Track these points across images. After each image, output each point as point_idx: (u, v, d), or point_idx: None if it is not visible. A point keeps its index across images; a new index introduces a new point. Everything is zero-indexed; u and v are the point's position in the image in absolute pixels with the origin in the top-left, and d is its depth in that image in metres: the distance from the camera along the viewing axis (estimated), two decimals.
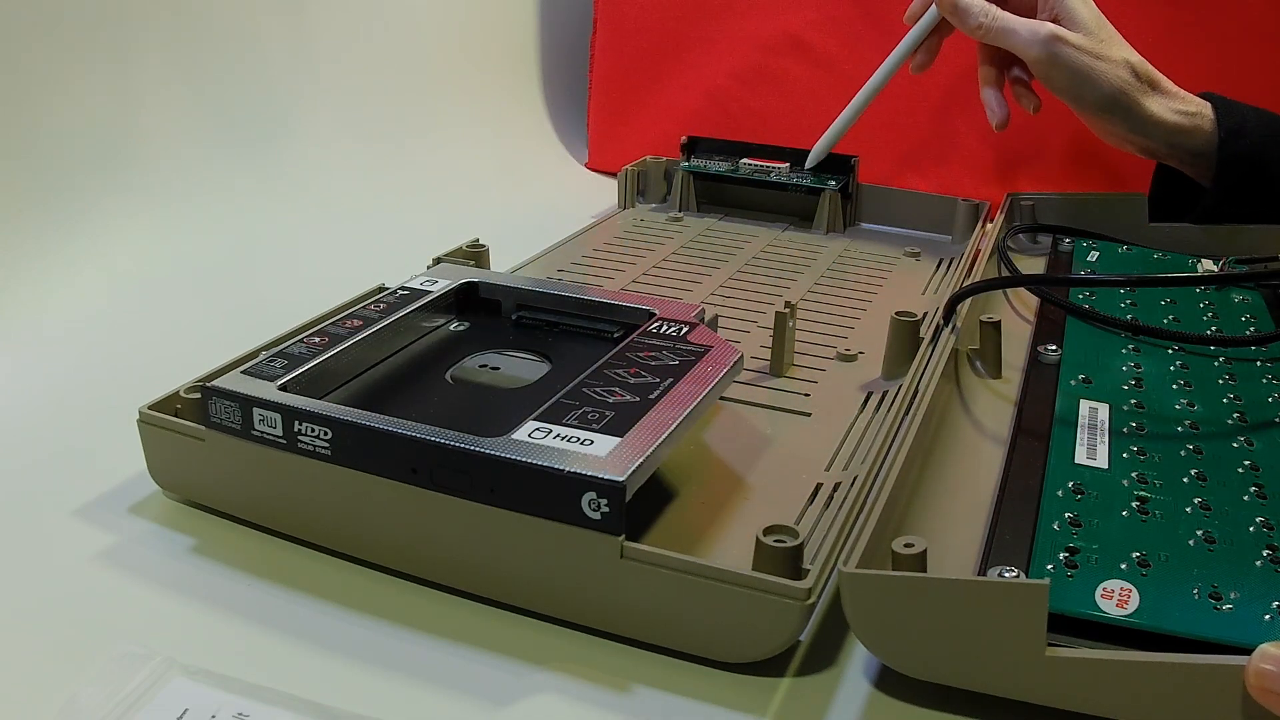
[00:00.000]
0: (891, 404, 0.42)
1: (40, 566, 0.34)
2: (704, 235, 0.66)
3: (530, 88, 0.91)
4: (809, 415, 0.43)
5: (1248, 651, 0.25)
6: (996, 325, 0.46)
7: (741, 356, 0.39)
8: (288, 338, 0.41)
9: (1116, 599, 0.29)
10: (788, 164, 0.69)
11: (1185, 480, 0.36)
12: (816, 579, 0.29)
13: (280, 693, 0.28)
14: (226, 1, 0.63)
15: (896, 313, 0.45)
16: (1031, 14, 0.57)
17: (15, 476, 0.39)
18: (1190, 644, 0.28)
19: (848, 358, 0.48)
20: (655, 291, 0.55)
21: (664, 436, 0.32)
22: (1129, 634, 0.28)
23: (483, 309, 0.46)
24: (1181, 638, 0.28)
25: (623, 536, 0.30)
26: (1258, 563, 0.31)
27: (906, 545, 0.30)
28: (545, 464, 0.30)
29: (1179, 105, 0.55)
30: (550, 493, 0.30)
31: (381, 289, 0.46)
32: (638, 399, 0.34)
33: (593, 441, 0.31)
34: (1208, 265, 0.57)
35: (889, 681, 0.30)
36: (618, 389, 0.35)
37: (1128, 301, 0.52)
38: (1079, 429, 0.39)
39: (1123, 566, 0.31)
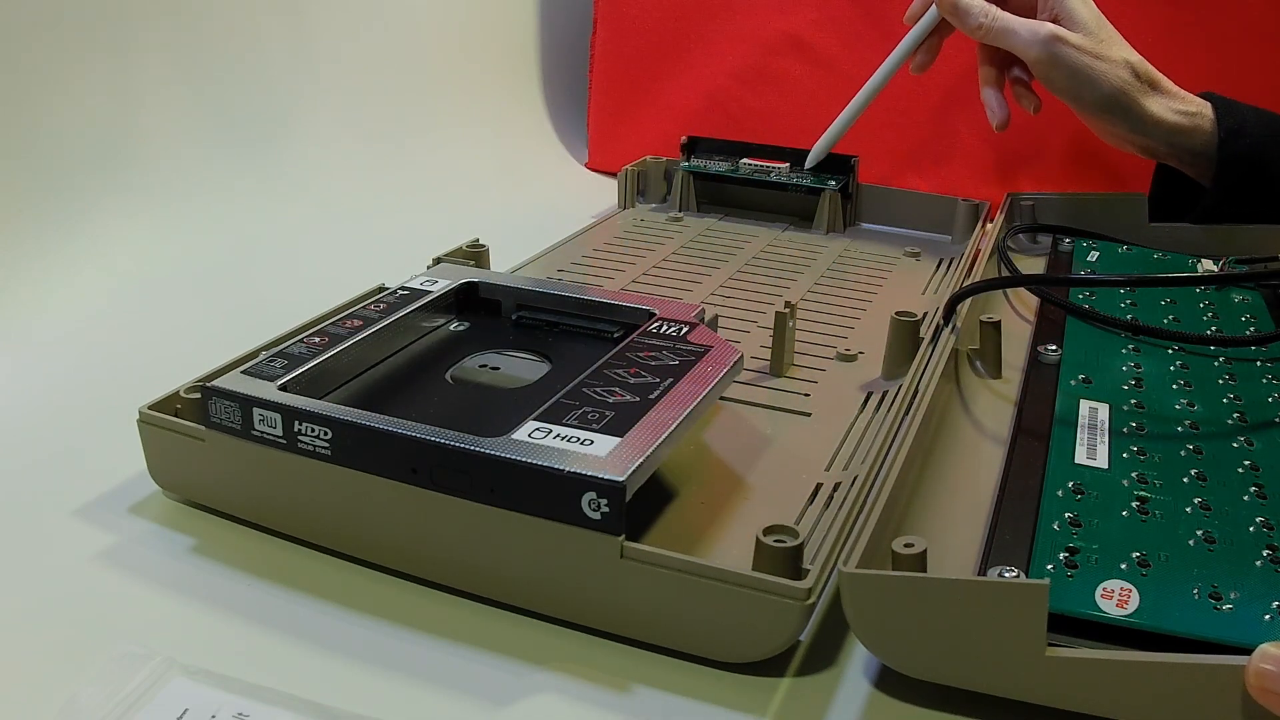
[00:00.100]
0: (891, 404, 0.42)
1: (40, 566, 0.34)
2: (704, 235, 0.66)
3: (530, 88, 0.91)
4: (809, 415, 0.43)
5: (1248, 651, 0.25)
6: (996, 325, 0.46)
7: (741, 356, 0.39)
8: (288, 338, 0.41)
9: (1116, 599, 0.29)
10: (788, 164, 0.69)
11: (1185, 480, 0.36)
12: (816, 579, 0.29)
13: (280, 693, 0.28)
14: (226, 1, 0.63)
15: (896, 313, 0.45)
16: (1031, 14, 0.57)
17: (15, 476, 0.39)
18: (1190, 644, 0.28)
19: (848, 358, 0.48)
20: (655, 291, 0.55)
21: (664, 436, 0.32)
22: (1129, 634, 0.28)
23: (483, 309, 0.46)
24: (1181, 638, 0.28)
25: (623, 536, 0.30)
26: (1258, 563, 0.31)
27: (906, 545, 0.30)
28: (545, 464, 0.30)
29: (1179, 105, 0.55)
30: (550, 493, 0.30)
31: (381, 289, 0.46)
32: (638, 399, 0.34)
33: (593, 441, 0.31)
34: (1208, 265, 0.57)
35: (889, 681, 0.30)
36: (618, 389, 0.35)
37: (1128, 301, 0.52)
38: (1079, 429, 0.39)
39: (1123, 566, 0.31)
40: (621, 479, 0.29)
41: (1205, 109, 0.56)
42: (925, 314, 0.49)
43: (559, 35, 0.94)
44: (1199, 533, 0.32)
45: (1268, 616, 0.29)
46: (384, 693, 0.29)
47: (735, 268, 0.60)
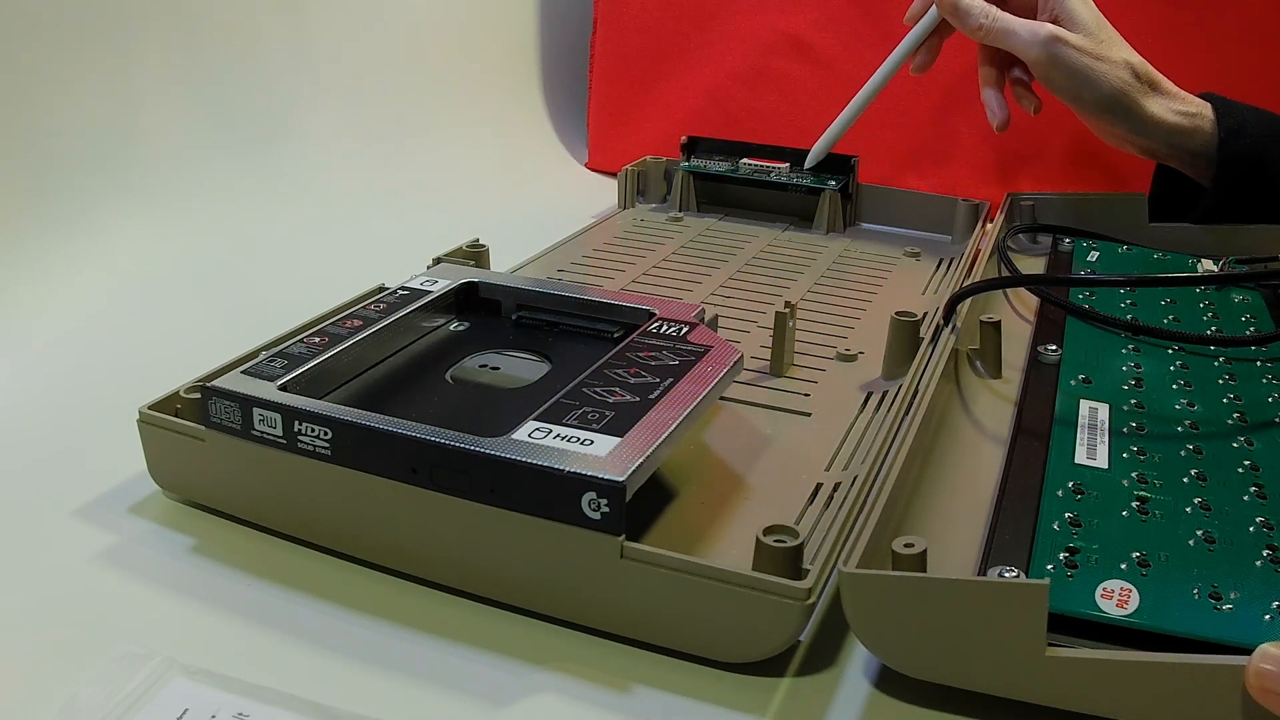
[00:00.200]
0: (891, 404, 0.42)
1: (40, 566, 0.34)
2: (704, 235, 0.66)
3: (530, 88, 0.91)
4: (809, 415, 0.43)
5: (1248, 651, 0.25)
6: (996, 325, 0.46)
7: (741, 356, 0.39)
8: (288, 338, 0.41)
9: (1116, 599, 0.29)
10: (788, 164, 0.69)
11: (1185, 480, 0.36)
12: (816, 579, 0.29)
13: (280, 693, 0.28)
14: (226, 1, 0.63)
15: (896, 313, 0.45)
16: (1032, 15, 0.57)
17: (15, 476, 0.39)
18: (1190, 644, 0.28)
19: (848, 358, 0.48)
20: (655, 291, 0.55)
21: (664, 436, 0.32)
22: (1129, 634, 0.28)
23: (483, 309, 0.46)
24: (1181, 638, 0.28)
25: (623, 536, 0.30)
26: (1258, 563, 0.31)
27: (906, 545, 0.30)
28: (545, 464, 0.30)
29: (1179, 106, 0.55)
30: (550, 493, 0.30)
31: (381, 289, 0.46)
32: (638, 399, 0.34)
33: (593, 441, 0.31)
34: (1208, 265, 0.57)
35: (889, 681, 0.30)
36: (618, 389, 0.35)
37: (1128, 301, 0.52)
38: (1079, 429, 0.39)
39: (1123, 566, 0.31)
40: (621, 479, 0.29)
41: (1205, 110, 0.56)
42: (925, 314, 0.50)
43: (559, 35, 0.94)
44: (1199, 533, 0.32)
45: (1268, 616, 0.29)
46: (384, 693, 0.29)
47: (735, 268, 0.60)
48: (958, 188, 0.72)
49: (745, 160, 0.71)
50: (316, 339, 0.39)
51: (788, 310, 0.46)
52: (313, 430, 0.33)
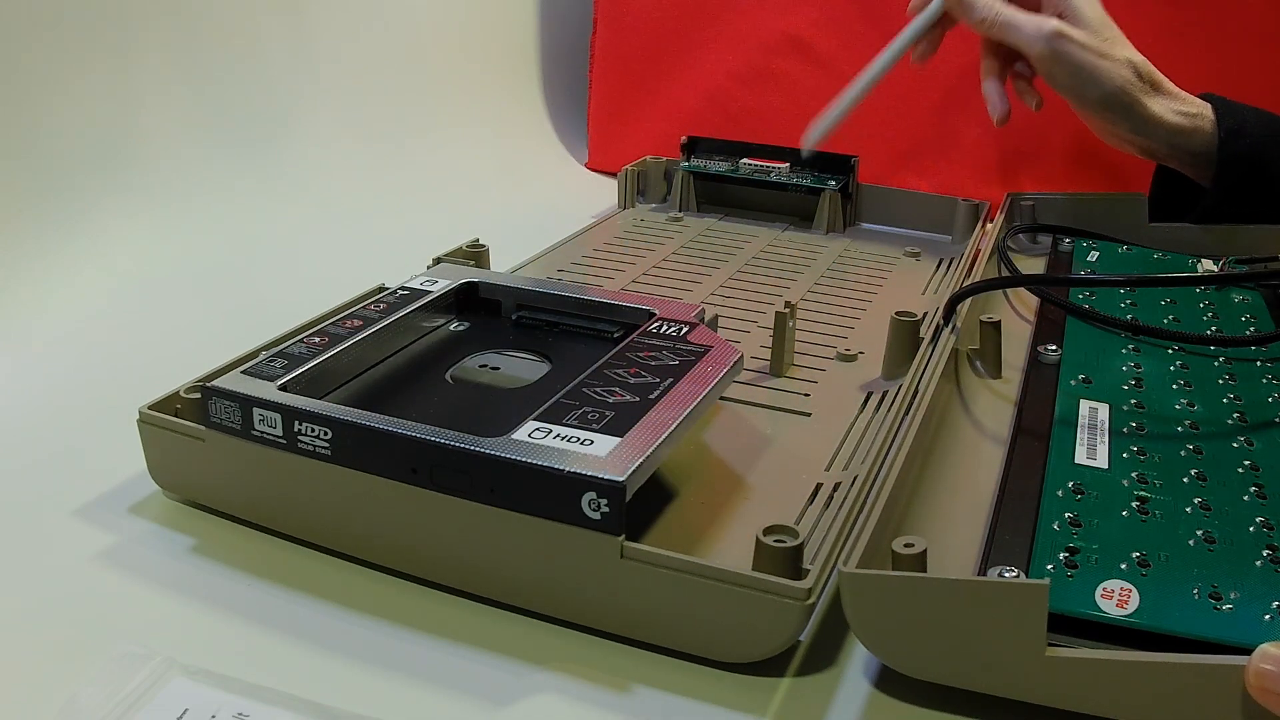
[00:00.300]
0: (891, 404, 0.42)
1: (40, 566, 0.34)
2: (704, 235, 0.66)
3: (530, 88, 0.91)
4: (809, 415, 0.43)
5: (1248, 651, 0.25)
6: (996, 325, 0.46)
7: (741, 356, 0.39)
8: (288, 338, 0.41)
9: (1116, 599, 0.29)
10: (788, 164, 0.69)
11: (1185, 480, 0.36)
12: (816, 579, 0.29)
13: (280, 693, 0.28)
14: (226, 1, 0.63)
15: (896, 313, 0.45)
16: (1036, 9, 0.57)
17: (15, 477, 0.39)
18: (1190, 644, 0.28)
19: (848, 358, 0.48)
20: (655, 291, 0.55)
21: (664, 436, 0.32)
22: (1129, 634, 0.28)
23: (483, 309, 0.46)
24: (1181, 638, 0.28)
25: (623, 536, 0.30)
26: (1258, 563, 0.31)
27: (906, 545, 0.30)
28: (545, 464, 0.30)
29: (1180, 106, 0.55)
30: (550, 493, 0.30)
31: (381, 289, 0.46)
32: (638, 399, 0.34)
33: (593, 441, 0.31)
34: (1208, 265, 0.57)
35: (889, 681, 0.30)
36: (618, 389, 0.35)
37: (1128, 301, 0.52)
38: (1079, 429, 0.39)
39: (1123, 566, 0.31)
40: (621, 479, 0.29)
41: (1206, 110, 0.56)
42: (925, 314, 0.50)
43: (559, 35, 0.94)
44: (1199, 533, 0.32)
45: (1268, 616, 0.29)
46: (384, 693, 0.29)
47: (735, 268, 0.60)
48: (958, 188, 0.72)
49: (745, 160, 0.71)
50: (316, 339, 0.39)
51: (788, 310, 0.46)
52: (313, 430, 0.33)
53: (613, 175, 0.75)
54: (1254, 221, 0.57)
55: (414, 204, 0.71)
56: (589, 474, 0.30)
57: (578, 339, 0.43)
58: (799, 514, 0.36)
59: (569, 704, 0.29)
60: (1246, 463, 0.37)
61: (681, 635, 0.30)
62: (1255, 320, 0.50)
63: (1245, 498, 0.35)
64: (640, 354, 0.38)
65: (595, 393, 0.35)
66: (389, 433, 0.32)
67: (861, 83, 0.61)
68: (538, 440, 0.31)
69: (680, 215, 0.69)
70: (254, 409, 0.34)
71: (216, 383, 0.35)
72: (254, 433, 0.34)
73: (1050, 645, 0.27)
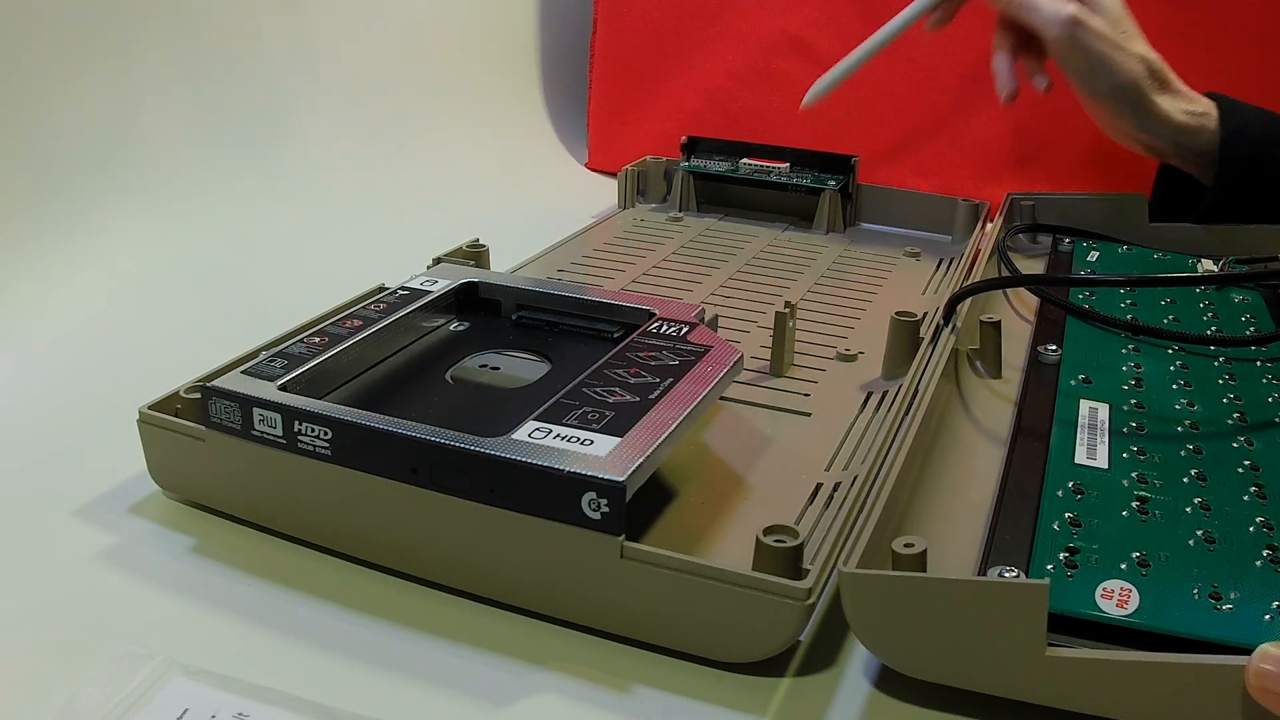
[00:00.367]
0: (891, 404, 0.42)
1: (40, 566, 0.34)
2: (704, 235, 0.66)
3: (530, 88, 0.91)
4: (809, 415, 0.43)
5: (1248, 651, 0.25)
6: (996, 325, 0.46)
7: (741, 356, 0.39)
8: (288, 338, 0.41)
9: (1116, 599, 0.29)
10: (788, 164, 0.69)
11: (1185, 480, 0.36)
12: (816, 579, 0.29)
13: (280, 693, 0.28)
14: (226, 1, 0.63)
15: (896, 313, 0.45)
16: None
17: (15, 477, 0.39)
18: (1190, 644, 0.28)
19: (848, 358, 0.48)
20: (655, 291, 0.55)
21: (664, 436, 0.32)
22: (1129, 634, 0.28)
23: (483, 309, 0.46)
24: (1181, 638, 0.28)
25: (623, 536, 0.30)
26: (1258, 563, 0.31)
27: (906, 545, 0.30)
28: (545, 464, 0.30)
29: (1187, 106, 0.55)
30: (550, 493, 0.30)
31: (381, 289, 0.46)
32: (638, 399, 0.34)
33: (593, 441, 0.31)
34: (1208, 265, 0.57)
35: (889, 681, 0.30)
36: (618, 389, 0.35)
37: (1128, 301, 0.52)
38: (1079, 429, 0.39)
39: (1123, 566, 0.31)
40: (621, 479, 0.29)
41: (1212, 110, 0.56)
42: (925, 314, 0.50)
43: (559, 35, 0.94)
44: (1199, 533, 0.32)
45: (1268, 616, 0.29)
46: (384, 693, 0.29)
47: (735, 268, 0.60)
48: (958, 188, 0.72)
49: (745, 160, 0.71)
50: (316, 339, 0.39)
51: (788, 310, 0.46)
52: (313, 430, 0.33)
53: (613, 175, 0.75)
54: (1255, 222, 0.57)
55: (414, 204, 0.71)
56: (589, 474, 0.30)
57: (578, 339, 0.43)
58: (799, 514, 0.36)
59: (569, 704, 0.29)
60: (1246, 463, 0.37)
61: (681, 635, 0.30)
62: (1255, 320, 0.50)
63: (1245, 498, 0.35)
64: (640, 354, 0.38)
65: (595, 393, 0.35)
66: (389, 433, 0.32)
67: (868, 46, 0.59)
68: (538, 440, 0.31)
69: (680, 215, 0.69)
70: (254, 409, 0.34)
71: (216, 383, 0.35)
72: (254, 433, 0.34)
73: (1050, 645, 0.27)
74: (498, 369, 0.41)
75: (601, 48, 0.86)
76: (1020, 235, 0.63)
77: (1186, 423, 0.40)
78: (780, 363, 0.46)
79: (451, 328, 0.44)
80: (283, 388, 0.35)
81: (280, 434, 0.33)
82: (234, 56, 0.64)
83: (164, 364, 0.41)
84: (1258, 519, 0.33)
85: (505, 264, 0.56)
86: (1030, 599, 0.26)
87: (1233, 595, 0.29)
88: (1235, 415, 0.40)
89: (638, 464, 0.30)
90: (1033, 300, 0.53)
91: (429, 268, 0.48)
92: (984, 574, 0.31)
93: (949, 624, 0.27)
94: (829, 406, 0.44)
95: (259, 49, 0.66)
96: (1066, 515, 0.33)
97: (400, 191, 0.72)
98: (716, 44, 0.82)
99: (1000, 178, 0.74)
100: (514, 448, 0.31)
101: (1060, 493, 0.35)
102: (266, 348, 0.40)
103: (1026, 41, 0.59)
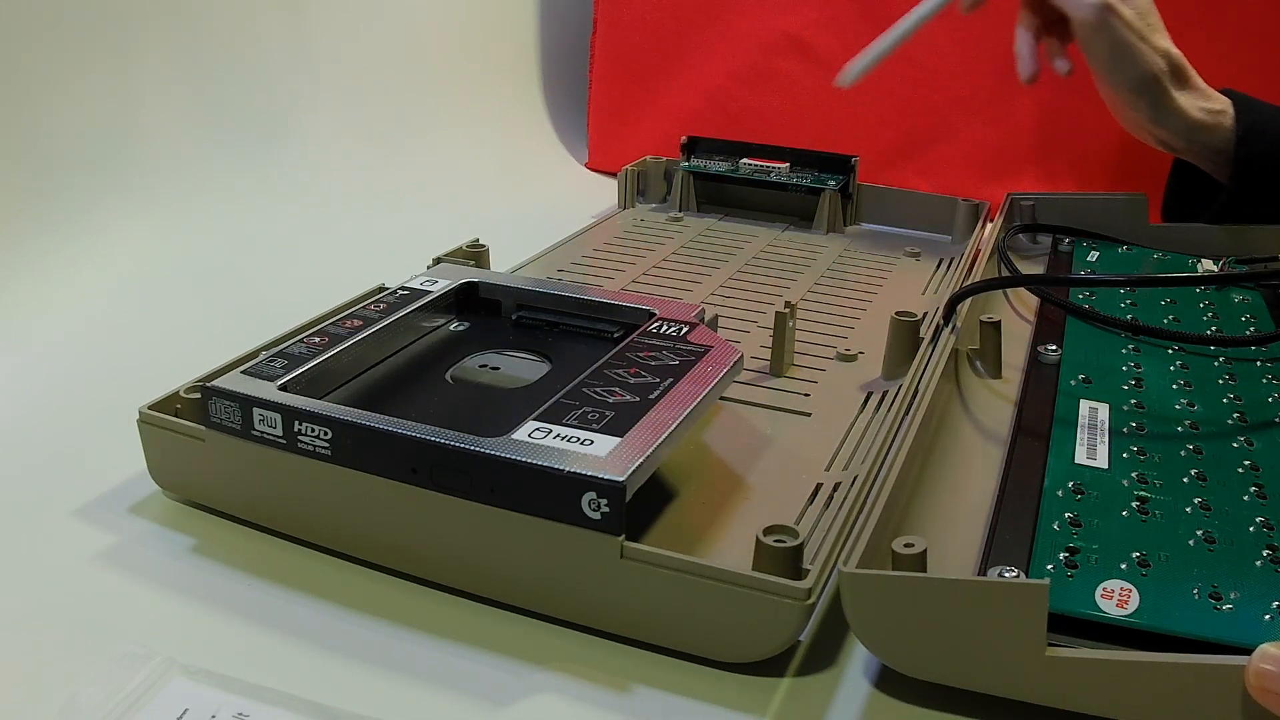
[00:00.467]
0: (891, 404, 0.42)
1: (40, 566, 0.34)
2: (704, 235, 0.66)
3: (530, 88, 0.91)
4: (809, 415, 0.43)
5: (1248, 651, 0.25)
6: (996, 325, 0.46)
7: (741, 356, 0.39)
8: (288, 338, 0.41)
9: (1116, 599, 0.29)
10: (788, 164, 0.69)
11: (1185, 480, 0.36)
12: (816, 579, 0.29)
13: (280, 693, 0.28)
14: (226, 1, 0.63)
15: (896, 313, 0.45)
16: None
17: (15, 477, 0.39)
18: (1190, 644, 0.28)
19: (848, 358, 0.48)
20: (655, 291, 0.55)
21: (664, 436, 0.32)
22: (1129, 634, 0.28)
23: (483, 309, 0.46)
24: (1181, 638, 0.28)
25: (623, 536, 0.30)
26: (1258, 563, 0.31)
27: (906, 545, 0.30)
28: (545, 464, 0.30)
29: (1204, 103, 0.55)
30: (550, 493, 0.30)
31: (381, 289, 0.46)
32: (638, 399, 0.34)
33: (593, 441, 0.31)
34: (1208, 265, 0.57)
35: (889, 681, 0.30)
36: (618, 389, 0.35)
37: (1128, 301, 0.52)
38: (1079, 429, 0.39)
39: (1123, 566, 0.31)
40: (621, 479, 0.29)
41: (1228, 108, 0.56)
42: (925, 314, 0.50)
43: (559, 35, 0.94)
44: (1199, 533, 0.32)
45: (1268, 616, 0.29)
46: (384, 693, 0.29)
47: (735, 268, 0.60)
48: (958, 188, 0.72)
49: (745, 160, 0.71)
50: (316, 339, 0.39)
51: (788, 310, 0.46)
52: (313, 430, 0.33)
53: (613, 175, 0.75)
54: (1270, 221, 0.56)
55: (414, 204, 0.71)
56: (589, 474, 0.30)
57: (578, 339, 0.43)
58: (799, 514, 0.36)
59: (569, 704, 0.29)
60: (1246, 463, 0.37)
61: (681, 635, 0.30)
62: (1255, 320, 0.50)
63: (1245, 498, 0.35)
64: (640, 354, 0.38)
65: (595, 393, 0.35)
66: (389, 433, 0.32)
67: (905, 25, 0.58)
68: (538, 440, 0.31)
69: (680, 215, 0.69)
70: (254, 409, 0.34)
71: (216, 383, 0.35)
72: (254, 433, 0.34)
73: (1050, 645, 0.27)
74: (498, 369, 0.41)
75: (601, 48, 0.86)
76: (1020, 235, 0.63)
77: (1186, 423, 0.40)
78: (780, 363, 0.46)
79: (451, 328, 0.44)
80: (283, 388, 0.35)
81: (280, 434, 0.33)
82: (234, 56, 0.64)
83: (164, 364, 0.41)
84: (1258, 519, 0.33)
85: (505, 264, 0.56)
86: (1030, 599, 0.26)
87: (1233, 595, 0.29)
88: (1235, 415, 0.40)
89: (638, 464, 0.30)
90: (1033, 300, 0.53)
91: (429, 268, 0.48)
92: (984, 574, 0.31)
93: (949, 624, 0.27)
94: (829, 406, 0.44)
95: (259, 49, 0.66)
96: (1066, 515, 0.33)
97: (400, 191, 0.72)
98: (716, 44, 0.82)
99: (1000, 178, 0.74)
100: (514, 448, 0.31)
101: (1060, 493, 0.35)
102: (266, 348, 0.40)
103: (1050, 24, 0.59)
